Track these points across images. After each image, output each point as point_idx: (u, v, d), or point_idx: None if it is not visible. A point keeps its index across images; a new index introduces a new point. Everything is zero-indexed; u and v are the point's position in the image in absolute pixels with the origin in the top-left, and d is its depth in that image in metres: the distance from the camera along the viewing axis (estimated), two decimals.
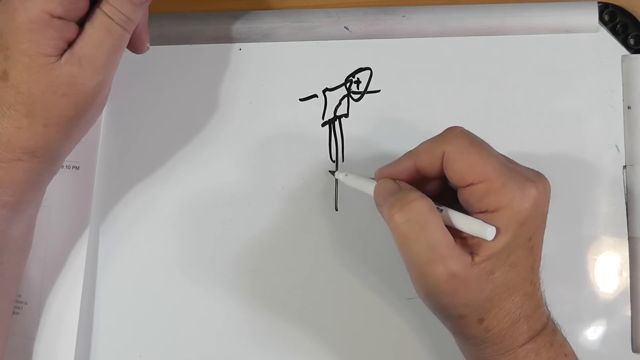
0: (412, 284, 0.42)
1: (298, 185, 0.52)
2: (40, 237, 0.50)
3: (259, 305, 0.51)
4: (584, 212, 0.50)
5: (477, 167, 0.40)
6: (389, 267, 0.50)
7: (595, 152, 0.50)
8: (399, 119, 0.51)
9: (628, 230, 0.50)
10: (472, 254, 0.40)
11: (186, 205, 0.52)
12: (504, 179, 0.39)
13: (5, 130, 0.41)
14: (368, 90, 0.52)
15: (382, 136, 0.51)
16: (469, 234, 0.40)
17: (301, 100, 0.52)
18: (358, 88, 0.52)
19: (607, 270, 0.50)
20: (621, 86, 0.50)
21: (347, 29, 0.52)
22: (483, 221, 0.40)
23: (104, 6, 0.41)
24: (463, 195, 0.41)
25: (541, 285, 0.43)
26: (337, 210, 0.51)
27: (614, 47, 0.51)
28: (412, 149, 0.44)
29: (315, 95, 0.52)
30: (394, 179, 0.44)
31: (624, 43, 0.51)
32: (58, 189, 0.50)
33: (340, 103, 0.52)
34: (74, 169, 0.52)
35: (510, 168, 0.40)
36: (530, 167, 0.42)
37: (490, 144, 0.42)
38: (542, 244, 0.42)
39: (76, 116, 0.42)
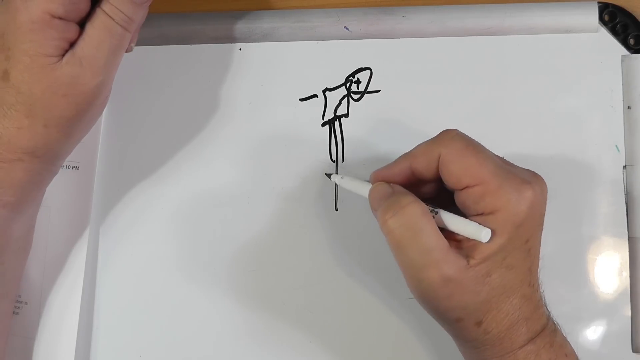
0: (408, 287, 0.42)
1: (298, 185, 0.52)
2: (40, 237, 0.50)
3: (258, 305, 0.51)
4: (584, 212, 0.50)
5: (472, 169, 0.40)
6: (388, 267, 0.50)
7: (595, 152, 0.50)
8: (399, 119, 0.51)
9: (628, 230, 0.50)
10: (467, 256, 0.40)
11: (186, 205, 0.52)
12: (500, 181, 0.39)
13: (6, 130, 0.41)
14: (368, 90, 0.52)
15: (382, 136, 0.51)
16: (464, 237, 0.40)
17: (301, 100, 0.52)
18: (358, 88, 0.52)
19: (607, 270, 0.50)
20: (621, 86, 0.51)
21: (347, 29, 0.52)
22: (479, 223, 0.40)
23: (105, 6, 0.41)
24: (459, 198, 0.41)
25: (540, 286, 0.43)
26: (337, 210, 0.51)
27: (614, 47, 0.51)
28: (407, 151, 0.44)
29: (315, 95, 0.52)
30: (389, 182, 0.44)
31: (624, 43, 0.51)
32: (58, 189, 0.50)
33: (340, 103, 0.52)
34: (74, 169, 0.52)
35: (507, 170, 0.40)
36: (530, 168, 0.42)
37: (487, 145, 0.42)
38: (539, 245, 0.42)
39: (77, 116, 0.42)
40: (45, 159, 0.43)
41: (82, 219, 0.51)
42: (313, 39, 0.52)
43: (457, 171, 0.40)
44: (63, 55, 0.41)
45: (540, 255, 0.42)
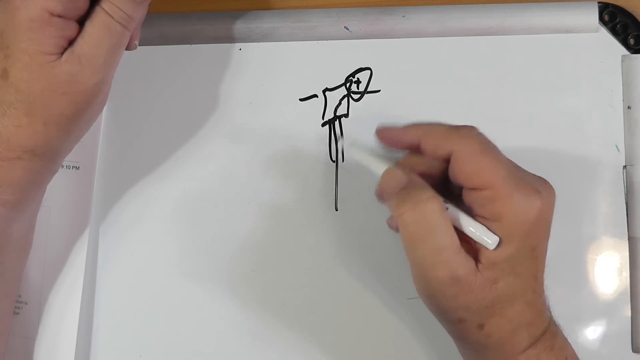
0: (414, 283, 0.42)
1: (298, 185, 0.52)
2: (40, 237, 0.50)
3: (258, 305, 0.51)
4: (584, 212, 0.50)
5: (484, 173, 0.39)
6: (388, 267, 0.50)
7: (595, 152, 0.50)
8: (399, 119, 0.51)
9: (628, 230, 0.50)
10: (475, 258, 0.40)
11: (186, 205, 0.52)
12: (510, 189, 0.39)
13: (6, 128, 0.41)
14: (368, 90, 0.52)
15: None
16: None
17: (301, 100, 0.52)
18: (358, 88, 0.52)
19: (607, 270, 0.50)
20: (621, 86, 0.50)
21: (347, 29, 0.52)
22: (487, 228, 0.39)
23: (105, 4, 0.41)
24: (466, 197, 0.41)
25: (545, 290, 0.42)
26: (337, 210, 0.51)
27: (614, 47, 0.51)
28: (423, 123, 0.43)
29: (315, 95, 0.52)
30: (403, 169, 0.42)
31: (624, 43, 0.51)
32: (58, 189, 0.50)
33: (340, 103, 0.52)
34: (74, 168, 0.52)
35: (518, 177, 0.40)
36: (530, 168, 0.42)
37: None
38: (546, 252, 0.42)
39: (76, 115, 0.42)
40: (45, 158, 0.43)
41: (82, 219, 0.51)
42: (313, 39, 0.52)
43: (468, 172, 0.40)
44: (62, 53, 0.41)
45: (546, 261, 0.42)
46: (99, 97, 0.43)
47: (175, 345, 0.51)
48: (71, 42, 0.41)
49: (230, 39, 0.53)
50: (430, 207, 0.39)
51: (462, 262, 0.39)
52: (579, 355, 0.43)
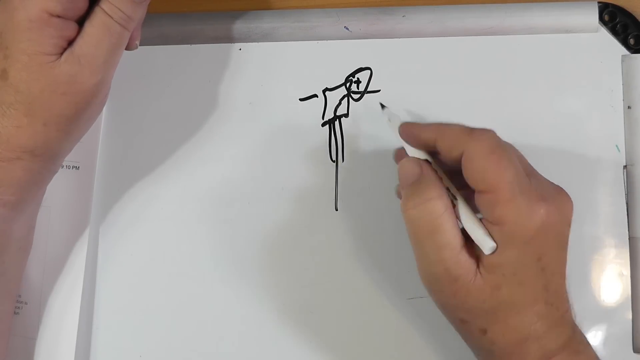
0: (419, 274, 0.42)
1: (298, 185, 0.52)
2: (40, 237, 0.50)
3: (258, 305, 0.51)
4: (584, 212, 0.50)
5: (489, 175, 0.39)
6: (388, 267, 0.50)
7: (595, 152, 0.50)
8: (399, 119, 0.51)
9: (628, 230, 0.50)
10: (477, 259, 0.40)
11: (186, 205, 0.52)
12: (513, 194, 0.39)
13: (5, 129, 0.41)
14: (368, 90, 0.52)
15: (382, 136, 0.51)
16: None
17: (301, 100, 0.52)
18: (358, 88, 0.52)
19: (608, 270, 0.50)
20: (621, 86, 0.50)
21: (347, 29, 0.52)
22: (487, 232, 0.40)
23: (104, 4, 0.41)
24: (476, 198, 0.41)
25: (570, 305, 0.42)
26: (337, 210, 0.51)
27: (614, 47, 0.51)
28: (440, 123, 0.43)
29: (315, 95, 0.52)
30: (419, 161, 0.43)
31: (624, 43, 0.51)
32: (58, 189, 0.50)
33: (340, 103, 0.52)
34: (74, 169, 0.52)
35: (525, 183, 0.39)
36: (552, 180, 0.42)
37: (518, 152, 0.41)
38: (560, 264, 0.41)
39: (76, 115, 0.42)
40: (44, 158, 0.43)
41: (82, 219, 0.51)
42: (313, 39, 0.52)
43: (474, 173, 0.40)
44: (62, 53, 0.41)
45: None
46: (99, 97, 0.43)
47: (176, 345, 0.51)
48: (70, 43, 0.41)
49: (230, 39, 0.53)
50: (433, 206, 0.40)
51: (461, 262, 0.40)
52: None
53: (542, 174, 0.43)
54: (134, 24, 0.43)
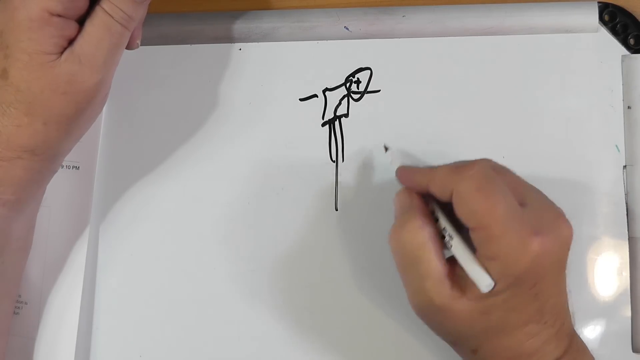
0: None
1: (298, 185, 0.52)
2: (40, 237, 0.50)
3: (258, 305, 0.51)
4: (584, 212, 0.50)
5: (478, 213, 0.39)
6: (389, 267, 0.50)
7: (595, 152, 0.50)
8: (399, 119, 0.51)
9: (628, 230, 0.50)
10: (464, 288, 0.40)
11: (186, 205, 0.52)
12: (503, 230, 0.38)
13: (5, 128, 0.41)
14: (368, 90, 0.52)
15: (382, 136, 0.51)
16: None
17: (301, 100, 0.52)
18: (358, 88, 0.52)
19: (607, 270, 0.50)
20: (621, 86, 0.50)
21: (347, 29, 0.52)
22: (484, 270, 0.39)
23: (105, 4, 0.41)
24: (470, 234, 0.40)
25: (564, 319, 0.42)
26: (337, 210, 0.51)
27: (614, 47, 0.51)
28: (430, 167, 0.43)
29: (315, 95, 0.52)
30: (411, 194, 0.44)
31: (624, 43, 0.51)
32: (58, 189, 0.50)
33: (340, 103, 0.52)
34: (74, 168, 0.52)
35: (517, 217, 0.39)
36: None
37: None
38: (557, 286, 0.41)
39: (76, 114, 0.42)
40: (44, 157, 0.43)
41: (82, 219, 0.52)
42: (313, 39, 0.52)
43: (464, 212, 0.40)
44: (62, 53, 0.41)
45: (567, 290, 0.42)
46: (99, 96, 0.43)
47: (175, 345, 0.51)
48: (71, 42, 0.41)
49: (230, 39, 0.53)
50: (413, 237, 0.41)
51: (443, 292, 0.40)
52: None
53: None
54: (135, 23, 0.43)
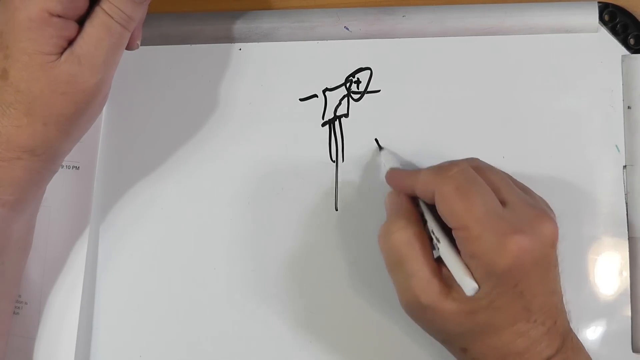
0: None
1: (298, 185, 0.52)
2: (40, 237, 0.50)
3: (258, 305, 0.51)
4: (584, 212, 0.50)
5: (457, 214, 0.40)
6: None
7: (595, 152, 0.50)
8: (399, 119, 0.51)
9: (628, 230, 0.50)
10: (451, 289, 0.41)
11: (186, 206, 0.52)
12: (481, 230, 0.39)
13: (5, 128, 0.41)
14: (368, 90, 0.52)
15: (382, 136, 0.51)
16: None
17: (301, 100, 0.52)
18: (358, 88, 0.52)
19: (607, 270, 0.50)
20: (621, 86, 0.50)
21: (347, 29, 0.52)
22: (469, 273, 0.39)
23: (104, 4, 0.41)
24: (453, 234, 0.41)
25: (556, 319, 0.42)
26: (337, 210, 0.51)
27: (614, 47, 0.51)
28: (415, 171, 0.45)
29: (315, 95, 0.52)
30: (399, 195, 0.46)
31: (624, 43, 0.51)
32: (58, 189, 0.50)
33: (340, 103, 0.52)
34: (74, 169, 0.52)
35: (496, 217, 0.39)
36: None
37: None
38: (545, 285, 0.41)
39: (76, 115, 0.42)
40: (44, 158, 0.43)
41: (82, 219, 0.52)
42: (313, 39, 0.52)
43: (445, 213, 0.41)
44: (62, 53, 0.41)
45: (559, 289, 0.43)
46: (99, 97, 0.43)
47: (175, 345, 0.51)
48: (71, 42, 0.41)
49: (230, 39, 0.53)
50: (398, 238, 0.42)
51: (430, 291, 0.41)
52: None
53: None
54: (135, 24, 0.43)
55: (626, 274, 0.49)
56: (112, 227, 0.52)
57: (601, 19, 0.51)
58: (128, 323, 0.52)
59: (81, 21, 0.41)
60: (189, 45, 0.53)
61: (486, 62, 0.51)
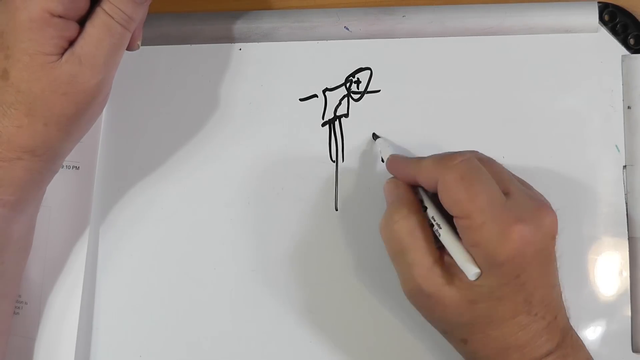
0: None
1: (298, 185, 0.52)
2: (40, 237, 0.50)
3: (258, 305, 0.51)
4: (584, 212, 0.50)
5: (461, 202, 0.40)
6: (388, 267, 0.50)
7: (595, 152, 0.50)
8: (399, 119, 0.51)
9: (628, 230, 0.50)
10: (453, 275, 0.41)
11: (186, 206, 0.52)
12: (484, 219, 0.39)
13: (6, 129, 0.41)
14: (368, 90, 0.52)
15: (382, 136, 0.51)
16: None
17: (301, 100, 0.52)
18: (358, 88, 0.52)
19: (607, 270, 0.50)
20: (621, 86, 0.50)
21: (347, 29, 0.52)
22: (471, 258, 0.40)
23: (105, 5, 0.41)
24: (455, 223, 0.41)
25: (557, 313, 0.42)
26: (337, 210, 0.51)
27: (614, 47, 0.51)
28: (417, 158, 0.44)
29: (315, 95, 0.52)
30: (398, 183, 0.46)
31: (624, 43, 0.51)
32: (58, 189, 0.50)
33: (340, 103, 0.52)
34: (74, 169, 0.52)
35: (499, 207, 0.39)
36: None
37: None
38: (545, 277, 0.41)
39: (76, 115, 0.42)
40: (45, 158, 0.43)
41: (82, 219, 0.51)
42: (313, 39, 0.52)
43: (448, 201, 0.40)
44: (62, 53, 0.41)
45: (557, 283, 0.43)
46: (99, 97, 0.43)
47: (175, 345, 0.51)
48: (71, 43, 0.41)
49: (230, 39, 0.53)
50: (399, 227, 0.42)
51: (432, 279, 0.41)
52: None
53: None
54: (135, 24, 0.43)
55: (626, 274, 0.49)
56: (112, 227, 0.52)
57: (601, 19, 0.51)
58: (128, 323, 0.52)
59: (82, 22, 0.42)
60: (189, 45, 0.53)
61: (486, 62, 0.51)
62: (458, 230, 0.41)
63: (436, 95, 0.51)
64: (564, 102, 0.51)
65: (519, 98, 0.51)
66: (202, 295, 0.51)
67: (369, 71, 0.52)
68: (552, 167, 0.50)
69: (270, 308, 0.51)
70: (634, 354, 0.49)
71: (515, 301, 0.40)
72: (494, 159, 0.44)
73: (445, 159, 0.42)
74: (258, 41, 0.53)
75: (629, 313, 0.49)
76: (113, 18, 0.41)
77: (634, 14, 0.51)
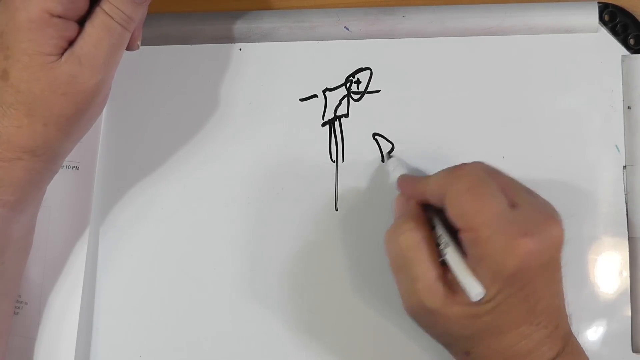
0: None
1: (298, 185, 0.52)
2: (40, 237, 0.50)
3: (258, 305, 0.51)
4: (584, 212, 0.50)
5: (467, 215, 0.39)
6: (388, 268, 0.50)
7: (595, 152, 0.50)
8: (399, 119, 0.51)
9: (628, 230, 0.50)
10: (456, 293, 0.40)
11: (186, 206, 0.52)
12: (491, 232, 0.38)
13: (6, 129, 0.41)
14: (368, 90, 0.52)
15: (382, 136, 0.51)
16: None
17: (301, 100, 0.52)
18: (358, 88, 0.52)
19: (607, 270, 0.50)
20: (621, 86, 0.50)
21: (347, 29, 0.52)
22: (475, 279, 0.39)
23: (105, 5, 0.41)
24: (460, 236, 0.41)
25: (558, 321, 0.41)
26: (337, 210, 0.51)
27: (614, 47, 0.51)
28: (426, 177, 0.44)
29: (315, 95, 0.52)
30: (407, 199, 0.45)
31: (624, 43, 0.51)
32: (58, 189, 0.50)
33: (340, 103, 0.52)
34: (74, 169, 0.52)
35: (505, 219, 0.39)
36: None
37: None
38: (550, 287, 0.41)
39: (76, 115, 0.42)
40: (45, 158, 0.43)
41: (82, 219, 0.51)
42: (313, 39, 0.52)
43: (454, 214, 0.40)
44: (62, 54, 0.41)
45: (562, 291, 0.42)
46: (99, 97, 0.43)
47: (175, 345, 0.51)
48: (71, 43, 0.41)
49: (230, 39, 0.53)
50: (404, 240, 0.42)
51: (434, 294, 0.40)
52: None
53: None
54: (135, 24, 0.43)
55: (626, 274, 0.49)
56: (112, 228, 0.52)
57: (601, 19, 0.51)
58: (128, 323, 0.52)
59: (81, 22, 0.42)
60: (189, 45, 0.53)
61: (486, 62, 0.51)
62: (464, 244, 0.40)
63: (436, 95, 0.51)
64: (564, 102, 0.51)
65: (519, 98, 0.51)
66: (201, 295, 0.51)
67: (369, 71, 0.52)
68: (552, 167, 0.50)
69: (270, 308, 0.51)
70: (634, 354, 0.49)
71: (518, 312, 0.40)
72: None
73: (453, 171, 0.42)
74: (258, 41, 0.53)
75: (629, 313, 0.49)
76: (112, 18, 0.41)
77: (634, 14, 0.51)
